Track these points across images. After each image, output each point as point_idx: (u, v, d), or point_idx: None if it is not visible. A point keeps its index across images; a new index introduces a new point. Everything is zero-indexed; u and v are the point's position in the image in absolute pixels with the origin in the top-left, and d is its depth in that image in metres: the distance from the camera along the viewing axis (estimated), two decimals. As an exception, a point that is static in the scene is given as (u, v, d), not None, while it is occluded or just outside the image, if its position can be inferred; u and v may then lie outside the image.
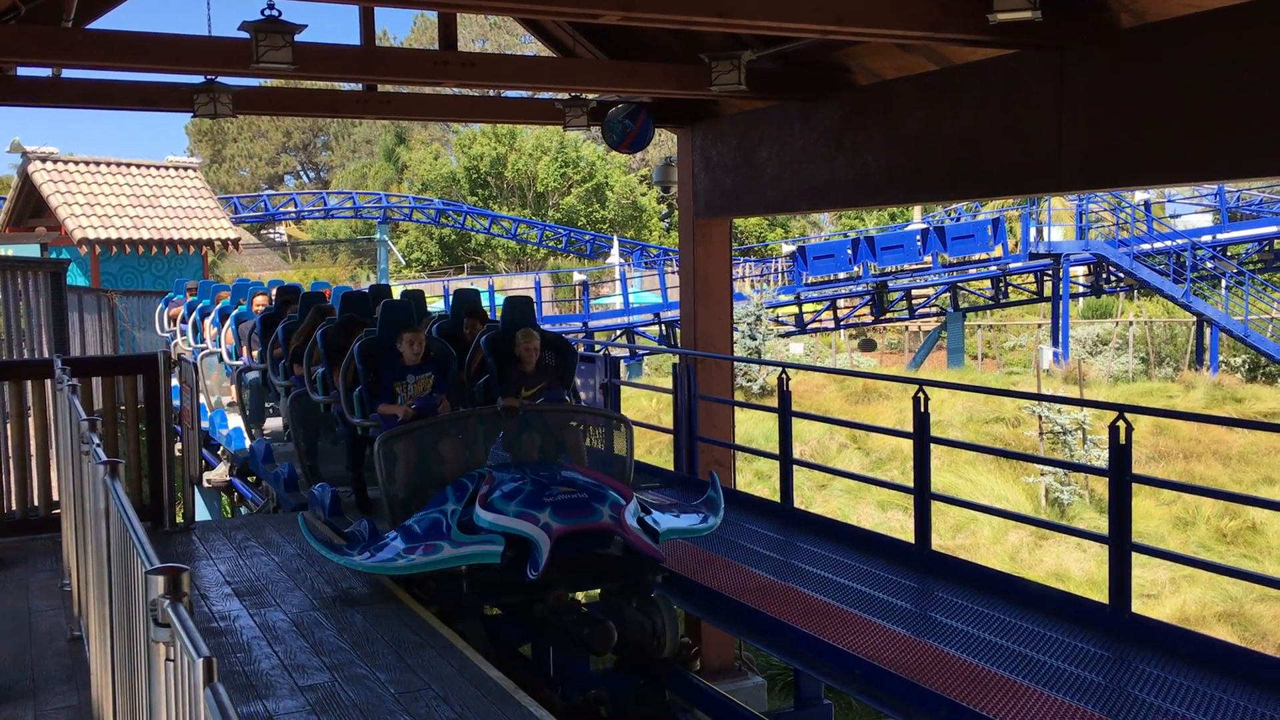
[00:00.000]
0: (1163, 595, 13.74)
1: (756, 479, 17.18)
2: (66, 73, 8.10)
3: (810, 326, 28.75)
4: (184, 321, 14.25)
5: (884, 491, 15.99)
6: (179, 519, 7.63)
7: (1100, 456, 16.91)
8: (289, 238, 49.67)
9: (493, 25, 54.79)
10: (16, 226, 23.52)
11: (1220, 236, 27.60)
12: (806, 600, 6.29)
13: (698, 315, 10.41)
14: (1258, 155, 5.66)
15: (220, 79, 7.84)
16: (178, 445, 8.59)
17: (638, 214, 46.15)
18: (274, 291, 11.81)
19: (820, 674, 5.91)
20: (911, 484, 7.32)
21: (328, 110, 11.01)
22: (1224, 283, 26.04)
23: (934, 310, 29.07)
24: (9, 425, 7.41)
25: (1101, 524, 13.91)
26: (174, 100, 8.33)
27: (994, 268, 27.56)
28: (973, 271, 27.91)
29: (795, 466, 8.61)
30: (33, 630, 5.50)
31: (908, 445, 9.06)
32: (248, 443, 10.84)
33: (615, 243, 36.21)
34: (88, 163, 22.78)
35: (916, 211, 34.68)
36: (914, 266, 27.54)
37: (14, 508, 7.22)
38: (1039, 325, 29.44)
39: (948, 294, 28.08)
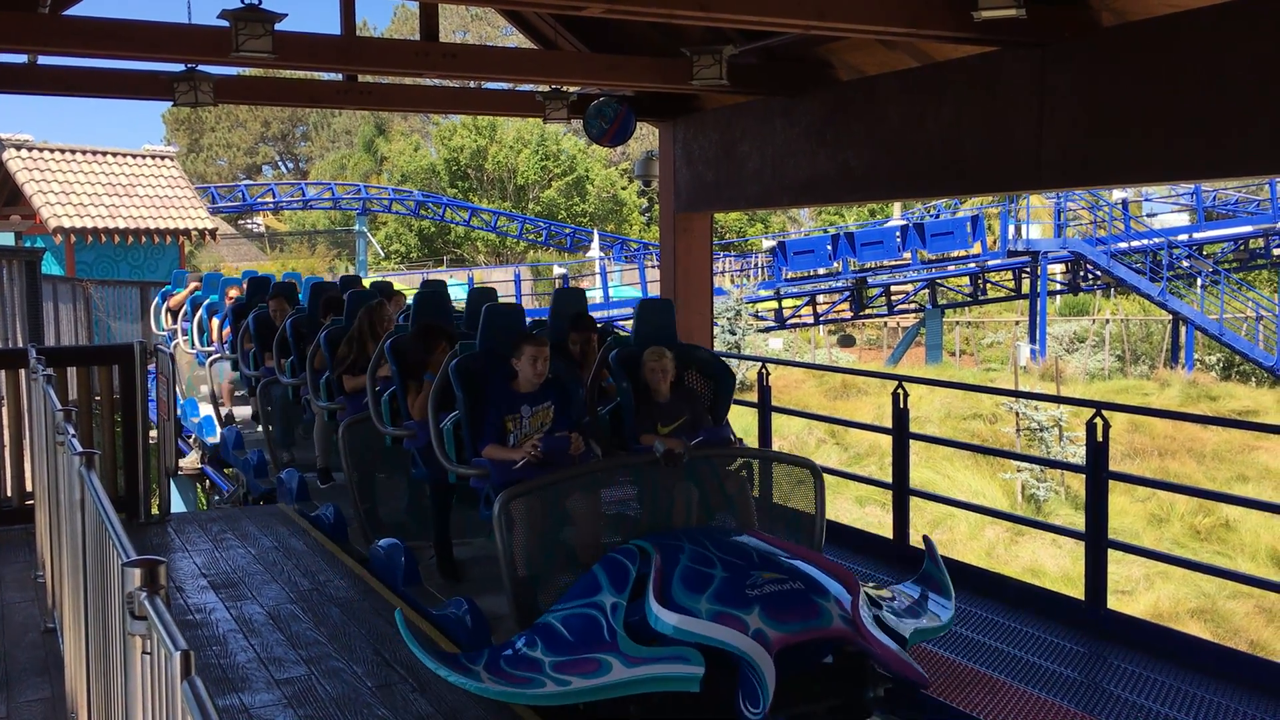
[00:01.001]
0: (1137, 591, 13.85)
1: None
2: (42, 59, 8.00)
3: (790, 322, 28.82)
4: (186, 319, 12.58)
5: (861, 487, 16.05)
6: (155, 511, 7.58)
7: (1076, 453, 17.04)
8: (267, 228, 49.37)
9: (474, 17, 54.64)
10: (-10, 215, 23.30)
11: (1196, 235, 27.83)
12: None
13: (678, 309, 10.40)
14: (1235, 155, 5.69)
15: (200, 67, 7.78)
16: (153, 433, 8.53)
17: (618, 208, 46.12)
18: (246, 283, 11.15)
19: None
20: (890, 479, 7.34)
21: (307, 100, 10.96)
22: (1200, 281, 26.25)
23: (913, 306, 29.19)
24: (-18, 415, 7.35)
25: (1077, 520, 14.02)
26: (153, 88, 8.24)
27: (973, 265, 27.69)
28: (951, 268, 28.04)
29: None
30: (6, 622, 5.45)
31: (886, 441, 9.09)
32: (219, 432, 10.94)
33: (595, 236, 36.14)
34: (63, 151, 22.56)
35: (896, 208, 34.82)
36: (893, 263, 27.63)
37: (-13, 498, 7.15)
38: (1016, 322, 29.61)
39: (926, 290, 28.20)
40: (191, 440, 12.16)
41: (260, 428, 9.47)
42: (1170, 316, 25.77)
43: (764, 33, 7.73)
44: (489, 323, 5.83)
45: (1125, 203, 27.79)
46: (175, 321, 13.16)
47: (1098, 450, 5.80)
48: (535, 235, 41.06)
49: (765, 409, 8.48)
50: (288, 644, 5.12)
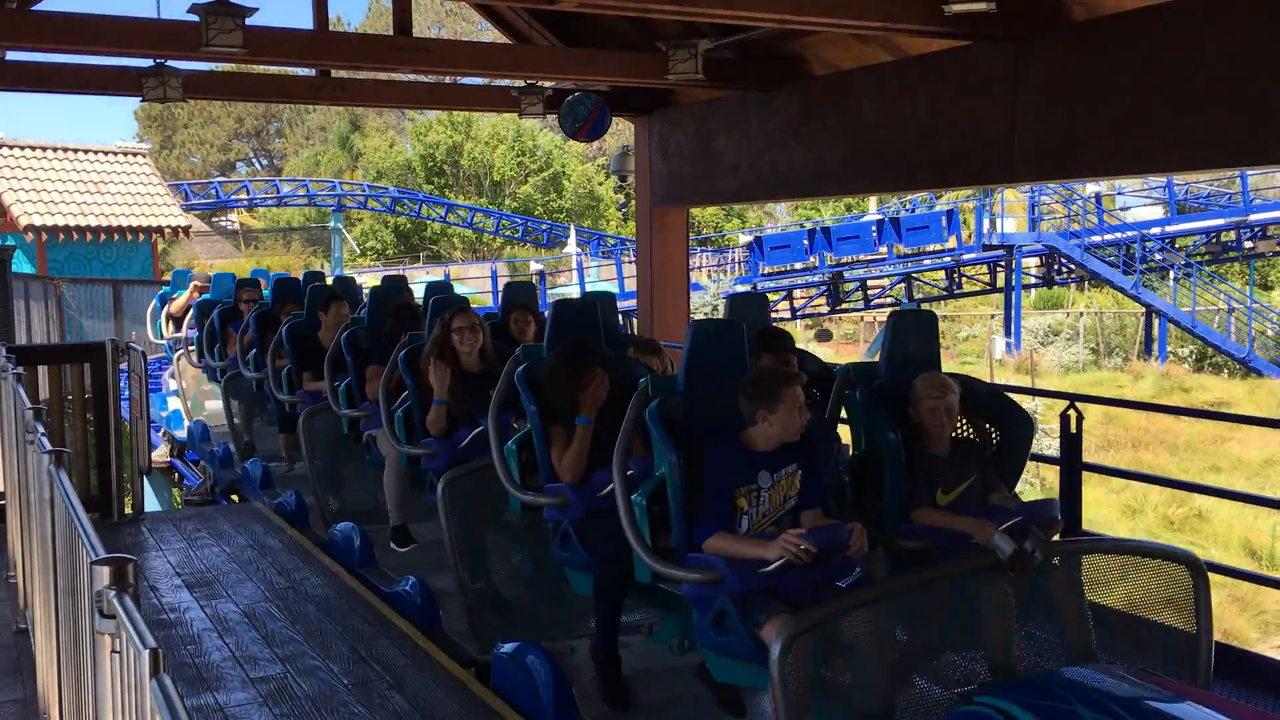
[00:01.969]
0: (1112, 582, 13.95)
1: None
2: (11, 55, 7.92)
3: (767, 316, 28.84)
4: (193, 327, 10.60)
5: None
6: (128, 510, 7.52)
7: (1051, 445, 17.11)
8: (241, 225, 49.05)
9: (449, 12, 54.41)
10: (-40, 213, 23.04)
11: (1169, 229, 28.04)
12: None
13: (655, 305, 10.40)
14: (1207, 148, 5.74)
15: (170, 63, 7.71)
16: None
17: (595, 203, 46.07)
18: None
19: None
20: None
21: (280, 96, 10.89)
22: (1172, 274, 26.46)
23: (889, 300, 29.29)
24: (-48, 415, 7.26)
25: (1052, 512, 14.09)
26: (122, 84, 8.18)
27: (948, 259, 27.81)
28: (927, 262, 28.14)
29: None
30: (-23, 623, 5.40)
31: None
32: (186, 424, 11.02)
33: (572, 232, 36.11)
34: (34, 148, 22.35)
35: (872, 202, 34.94)
36: (869, 257, 27.71)
37: (-43, 499, 7.07)
38: (992, 316, 29.79)
39: (903, 284, 28.30)
40: (161, 434, 12.17)
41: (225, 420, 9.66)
42: (1143, 309, 25.99)
43: (739, 27, 7.73)
44: (703, 345, 4.08)
45: (1099, 196, 27.97)
46: (178, 329, 11.49)
47: (1072, 442, 5.83)
48: (512, 231, 40.97)
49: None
50: (263, 642, 5.09)
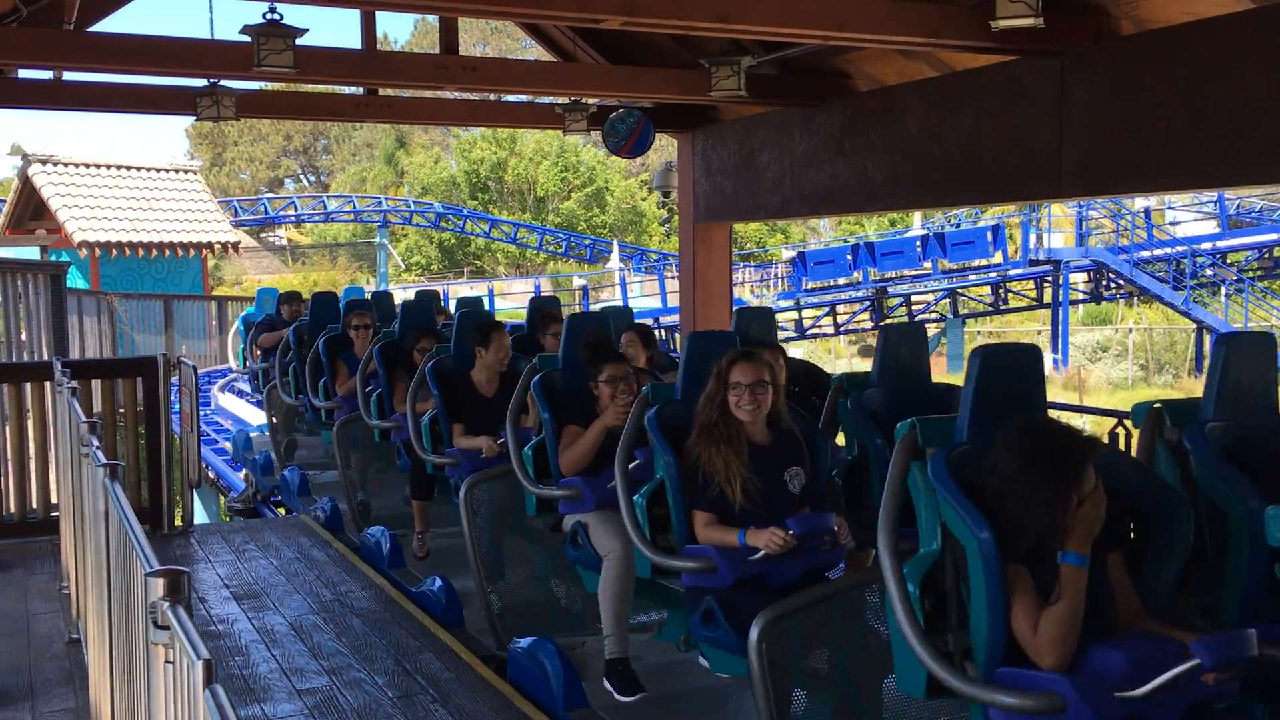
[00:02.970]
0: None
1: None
2: (68, 75, 8.10)
3: (810, 332, 28.74)
4: (285, 355, 9.01)
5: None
6: (178, 522, 7.63)
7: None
8: (289, 241, 49.68)
9: (494, 30, 54.84)
10: (16, 229, 23.55)
11: (1220, 244, 27.64)
12: None
13: (698, 320, 10.41)
14: (1257, 162, 5.66)
15: (223, 82, 7.85)
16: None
17: (638, 219, 46.17)
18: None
19: None
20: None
21: (328, 114, 11.03)
22: (1224, 290, 26.07)
23: (934, 316, 29.08)
24: (8, 428, 7.42)
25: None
26: (176, 103, 8.33)
27: (994, 274, 27.58)
28: (972, 278, 27.92)
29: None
30: (31, 633, 5.49)
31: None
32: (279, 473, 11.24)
33: (615, 247, 36.20)
34: (88, 165, 22.80)
35: (916, 218, 34.70)
36: (914, 272, 27.55)
37: (12, 510, 7.22)
38: (1039, 332, 29.47)
39: (947, 300, 28.09)
40: (244, 475, 12.02)
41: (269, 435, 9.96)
42: (1194, 325, 25.59)
43: (782, 43, 7.74)
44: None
45: (1148, 211, 27.65)
46: (265, 360, 10.36)
47: (1120, 460, 5.75)
48: (555, 246, 41.15)
49: None
50: (309, 655, 5.14)
